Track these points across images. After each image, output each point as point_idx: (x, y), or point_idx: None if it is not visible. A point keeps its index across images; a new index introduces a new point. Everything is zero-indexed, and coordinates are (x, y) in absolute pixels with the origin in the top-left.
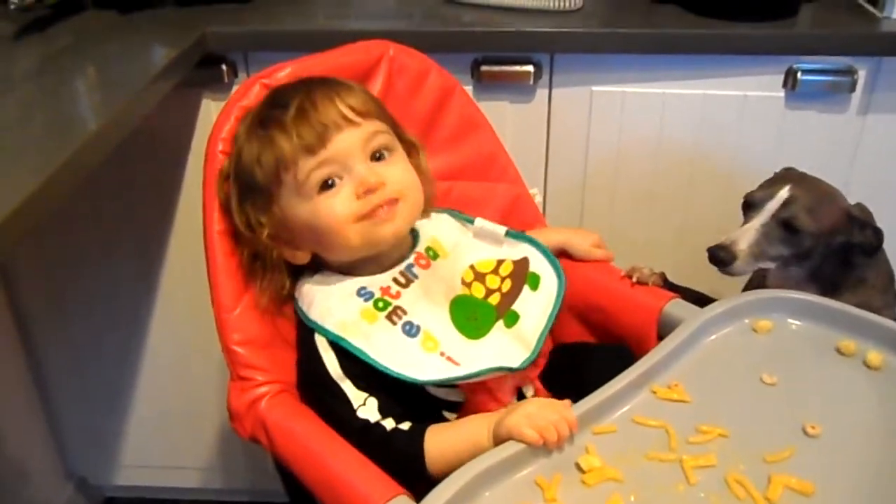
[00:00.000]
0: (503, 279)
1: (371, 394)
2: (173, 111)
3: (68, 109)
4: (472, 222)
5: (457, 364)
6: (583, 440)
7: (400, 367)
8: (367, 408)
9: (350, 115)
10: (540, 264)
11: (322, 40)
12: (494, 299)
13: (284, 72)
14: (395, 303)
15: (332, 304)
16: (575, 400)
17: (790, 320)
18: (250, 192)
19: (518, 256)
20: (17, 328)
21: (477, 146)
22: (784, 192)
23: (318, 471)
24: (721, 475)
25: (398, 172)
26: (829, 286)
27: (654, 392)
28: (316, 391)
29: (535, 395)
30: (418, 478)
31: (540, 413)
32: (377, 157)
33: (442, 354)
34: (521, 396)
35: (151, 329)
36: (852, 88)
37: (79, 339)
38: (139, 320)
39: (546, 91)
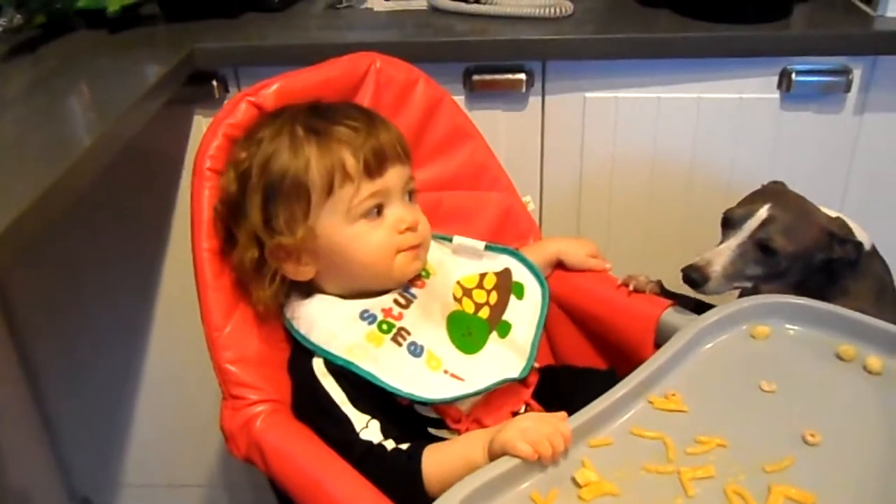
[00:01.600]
0: (489, 292)
1: (372, 416)
2: (166, 129)
3: (59, 129)
4: (449, 240)
5: (461, 380)
6: (578, 454)
7: (410, 387)
8: (370, 430)
9: (401, 150)
10: (522, 274)
11: (313, 53)
12: (484, 313)
13: (271, 88)
14: (398, 324)
15: (335, 328)
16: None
17: (788, 325)
18: (288, 195)
19: (500, 268)
20: (14, 348)
21: (467, 156)
22: (763, 212)
23: (316, 496)
24: (720, 487)
25: (423, 217)
26: (816, 298)
27: (651, 402)
28: (315, 417)
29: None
30: (418, 498)
31: (534, 427)
32: (408, 198)
33: (445, 372)
34: None
35: (150, 346)
36: (847, 88)
37: (78, 358)
38: (137, 338)
39: (539, 99)
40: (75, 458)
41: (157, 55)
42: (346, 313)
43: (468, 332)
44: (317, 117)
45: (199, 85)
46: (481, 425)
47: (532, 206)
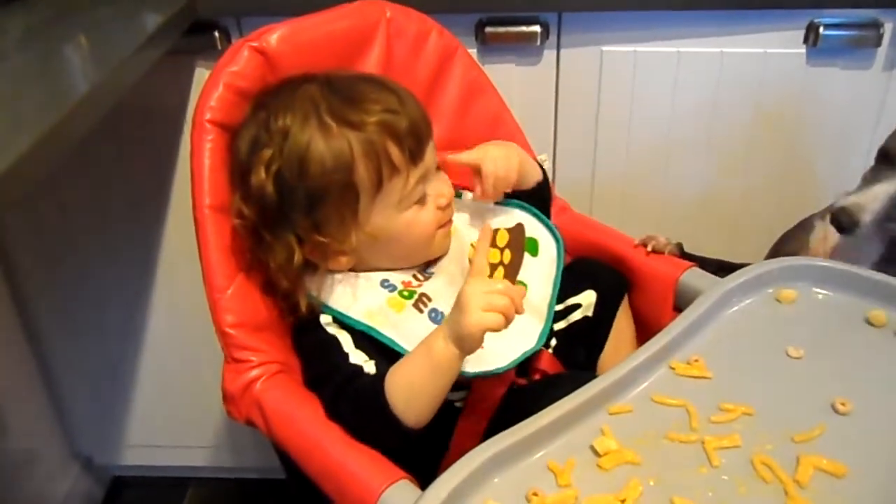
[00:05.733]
0: (502, 250)
1: (370, 358)
2: (167, 81)
3: (54, 79)
4: (459, 196)
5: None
6: (598, 421)
7: None
8: (366, 366)
9: (429, 122)
10: (536, 228)
11: (320, 3)
12: (499, 273)
13: (275, 34)
14: (419, 290)
15: (355, 294)
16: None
17: (816, 289)
18: (336, 199)
19: (512, 223)
20: (16, 309)
21: (482, 111)
22: None
23: (317, 456)
24: (746, 457)
25: (450, 184)
26: None
27: (673, 368)
28: (318, 363)
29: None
30: (387, 421)
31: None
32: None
33: None
34: (522, 368)
35: (153, 305)
36: (878, 43)
37: (80, 318)
38: (140, 296)
39: (554, 52)
40: (78, 419)
41: (156, 3)
42: (365, 281)
43: None
44: (343, 102)
45: (200, 35)
46: (488, 387)
47: (548, 165)
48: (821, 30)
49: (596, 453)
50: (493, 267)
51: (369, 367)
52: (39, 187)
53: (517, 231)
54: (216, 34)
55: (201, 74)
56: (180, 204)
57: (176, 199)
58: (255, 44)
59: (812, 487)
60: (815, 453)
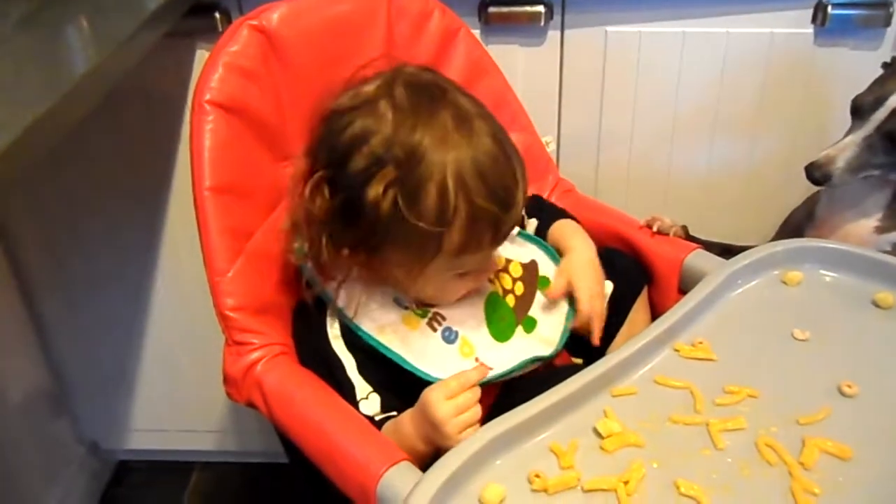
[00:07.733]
0: (515, 281)
1: (374, 388)
2: (168, 63)
3: (54, 60)
4: None
5: (490, 368)
6: (601, 403)
7: (439, 373)
8: (369, 402)
9: (520, 217)
10: (548, 268)
11: None
12: (510, 300)
13: (276, 13)
14: (433, 309)
15: (370, 305)
16: None
17: (823, 271)
18: (418, 248)
19: (527, 259)
20: (20, 295)
21: (485, 92)
22: (893, 100)
23: (318, 439)
24: (751, 439)
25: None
26: None
27: (678, 350)
28: (318, 371)
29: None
30: None
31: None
32: None
33: (476, 360)
34: None
35: (157, 289)
36: (887, 22)
37: (84, 303)
38: (144, 280)
39: (558, 33)
40: (83, 403)
41: None
42: (381, 294)
43: (501, 317)
44: (480, 179)
45: (200, 17)
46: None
47: (552, 147)
48: (829, 9)
49: (599, 435)
50: (505, 292)
51: (374, 406)
52: (41, 171)
53: (530, 268)
54: (217, 15)
55: (202, 57)
56: (182, 187)
57: (178, 181)
58: (254, 22)
59: (817, 470)
60: (820, 436)
